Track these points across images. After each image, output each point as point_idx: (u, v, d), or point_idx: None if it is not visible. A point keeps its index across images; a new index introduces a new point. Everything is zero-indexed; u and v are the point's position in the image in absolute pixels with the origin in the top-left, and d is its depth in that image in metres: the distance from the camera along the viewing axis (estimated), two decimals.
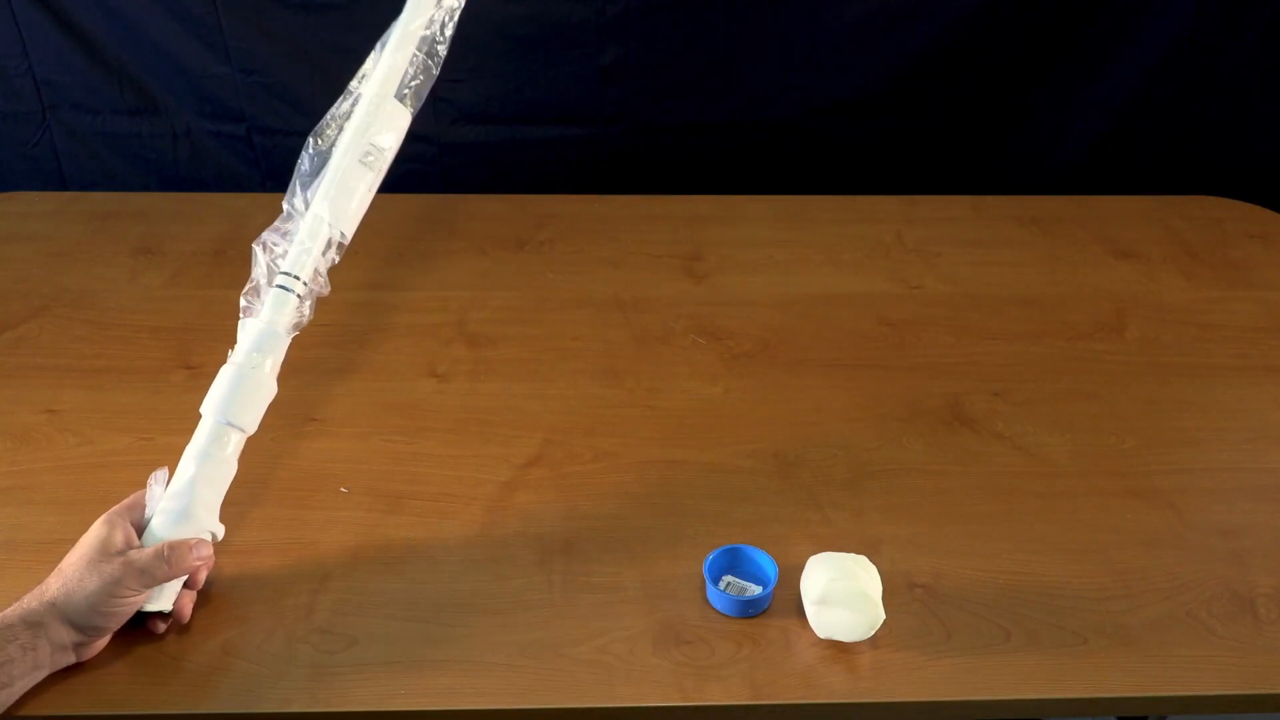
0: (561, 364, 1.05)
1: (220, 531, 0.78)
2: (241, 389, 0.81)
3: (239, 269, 1.21)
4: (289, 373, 1.03)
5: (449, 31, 0.91)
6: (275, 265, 0.84)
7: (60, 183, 1.59)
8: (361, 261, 1.23)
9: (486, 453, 0.93)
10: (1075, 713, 0.73)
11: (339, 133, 0.87)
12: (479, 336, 1.09)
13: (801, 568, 0.78)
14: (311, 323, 1.11)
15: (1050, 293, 1.18)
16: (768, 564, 0.80)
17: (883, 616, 0.73)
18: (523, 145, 1.56)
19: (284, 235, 0.86)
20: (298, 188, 0.87)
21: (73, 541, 0.75)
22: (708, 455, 0.93)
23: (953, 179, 1.57)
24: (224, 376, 0.82)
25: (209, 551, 0.76)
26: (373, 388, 1.01)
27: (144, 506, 0.77)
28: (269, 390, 0.83)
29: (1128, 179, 1.60)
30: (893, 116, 1.57)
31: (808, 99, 1.54)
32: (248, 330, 0.84)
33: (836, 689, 0.72)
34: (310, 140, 0.88)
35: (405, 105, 0.89)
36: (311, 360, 1.05)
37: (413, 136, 1.57)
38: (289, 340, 0.84)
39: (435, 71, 0.91)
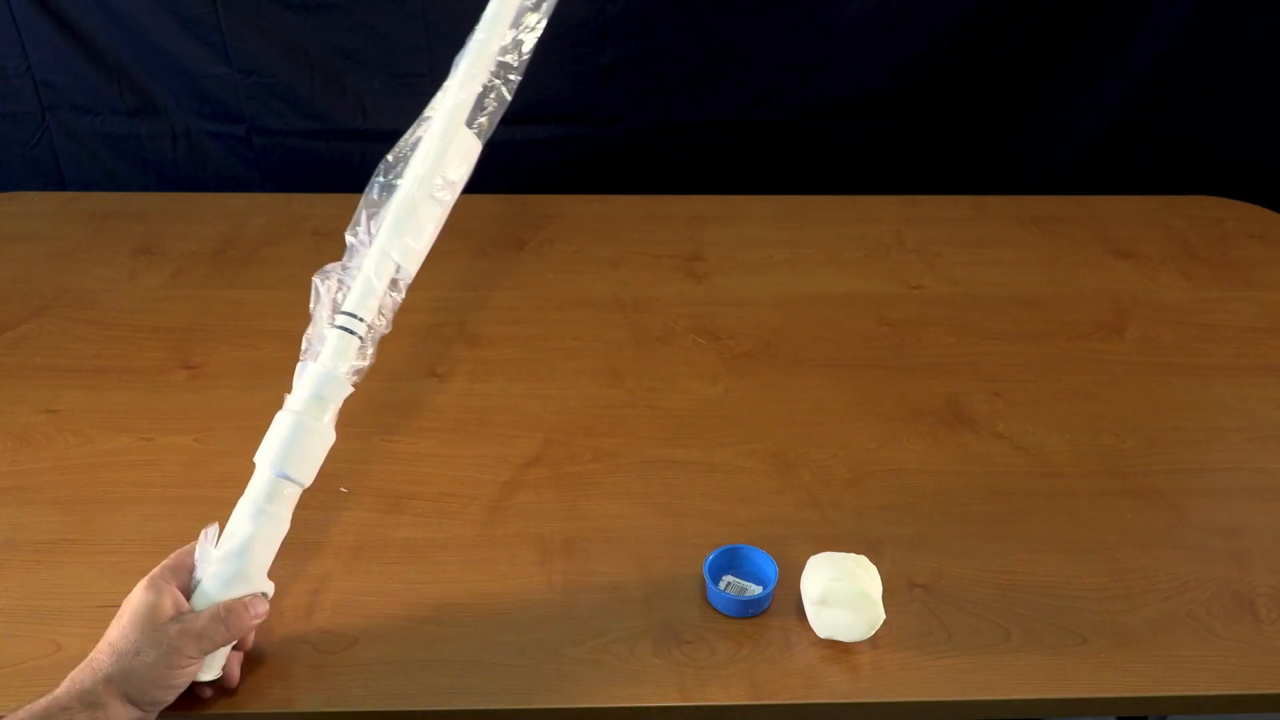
0: (561, 364, 1.05)
1: (271, 589, 0.73)
2: (301, 440, 0.75)
3: (239, 269, 1.21)
4: (288, 372, 1.03)
5: (525, 54, 0.87)
6: (338, 302, 0.79)
7: (60, 183, 1.59)
8: None
9: (486, 453, 0.93)
10: (1075, 713, 0.73)
11: (407, 163, 0.82)
12: (479, 336, 1.09)
13: (801, 568, 0.78)
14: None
15: (1050, 293, 1.18)
16: (768, 564, 0.80)
17: (883, 616, 0.73)
18: (523, 145, 1.56)
19: (345, 269, 0.80)
20: (364, 217, 0.82)
21: (73, 541, 0.75)
22: (708, 455, 0.93)
23: (953, 179, 1.57)
24: (282, 425, 0.76)
25: (265, 609, 0.71)
26: (373, 388, 1.00)
27: (189, 567, 0.71)
28: (328, 440, 0.77)
29: (1128, 179, 1.60)
30: (893, 116, 1.56)
31: (808, 99, 1.54)
32: (307, 375, 0.78)
33: (836, 689, 0.72)
34: (381, 166, 0.83)
35: (477, 134, 0.84)
36: None
37: None
38: (351, 388, 0.79)
39: (509, 97, 0.86)
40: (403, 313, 1.12)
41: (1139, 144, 1.59)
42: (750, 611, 0.77)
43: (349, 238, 0.81)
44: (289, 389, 1.01)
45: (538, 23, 0.89)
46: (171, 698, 0.66)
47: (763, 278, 1.20)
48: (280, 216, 1.33)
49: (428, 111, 0.84)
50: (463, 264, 1.23)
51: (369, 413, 0.98)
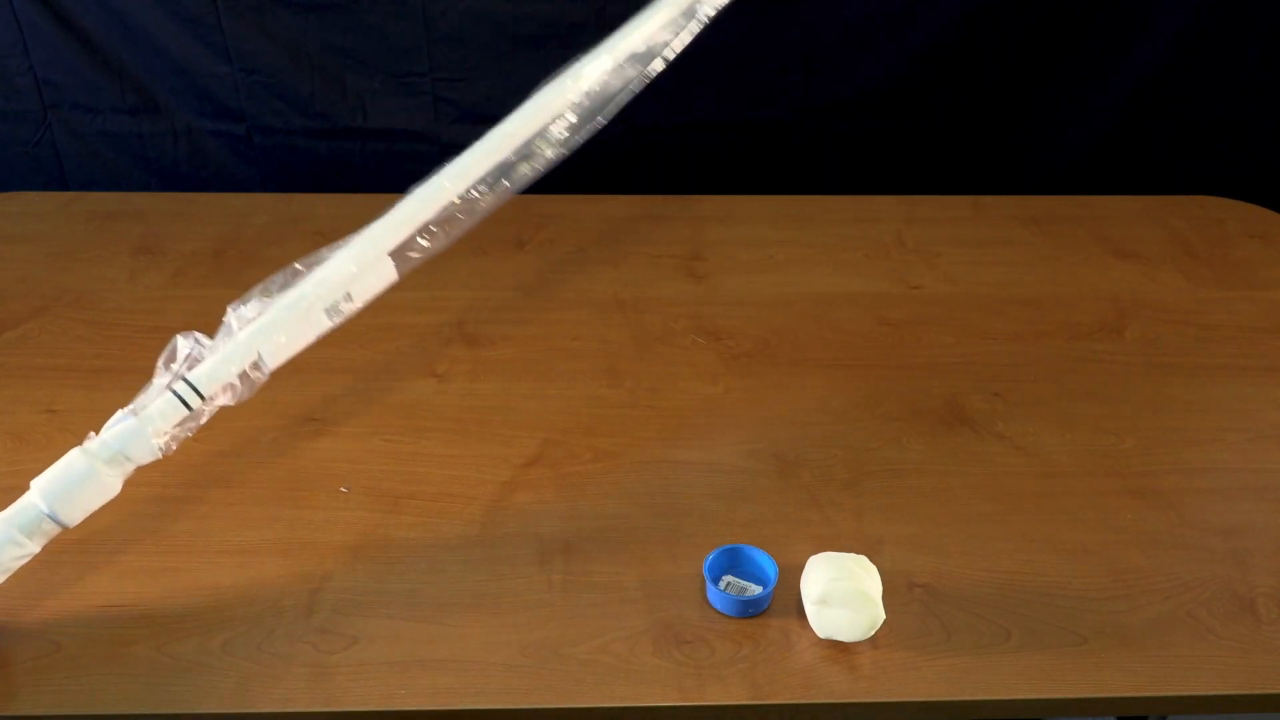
0: (561, 364, 1.05)
1: None
2: (84, 486, 0.73)
3: (239, 269, 1.21)
4: (289, 372, 1.03)
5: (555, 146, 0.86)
6: (186, 366, 0.76)
7: (61, 182, 1.59)
8: None
9: (486, 453, 0.93)
10: (1075, 713, 0.73)
11: (320, 264, 0.80)
12: (479, 336, 1.09)
13: (801, 568, 0.78)
14: None
15: (1050, 293, 1.18)
16: (768, 564, 0.80)
17: (883, 616, 0.73)
18: None
19: (207, 341, 0.78)
20: (254, 299, 0.79)
21: (73, 541, 0.75)
22: (708, 455, 0.93)
23: (953, 179, 1.57)
24: (72, 465, 0.73)
25: None
26: (373, 388, 1.01)
27: None
28: (109, 495, 0.74)
29: (1128, 179, 1.60)
30: (893, 116, 1.56)
31: (808, 99, 1.54)
32: (120, 426, 0.74)
33: (836, 689, 0.72)
34: (302, 261, 0.81)
35: (393, 264, 0.83)
36: (311, 360, 1.05)
37: (413, 136, 1.59)
38: (158, 455, 0.75)
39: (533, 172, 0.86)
40: (403, 312, 1.13)
41: (1139, 144, 1.59)
42: (750, 611, 0.77)
43: (230, 311, 0.78)
44: (289, 388, 1.01)
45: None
46: None
47: (763, 278, 1.20)
48: (280, 216, 1.33)
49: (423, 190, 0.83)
50: (463, 264, 1.23)
51: (369, 413, 0.98)
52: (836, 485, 0.90)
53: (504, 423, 0.97)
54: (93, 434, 0.75)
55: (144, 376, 1.02)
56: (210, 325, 1.10)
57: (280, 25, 1.45)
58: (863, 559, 0.77)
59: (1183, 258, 1.26)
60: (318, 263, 0.80)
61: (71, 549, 0.82)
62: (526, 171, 0.87)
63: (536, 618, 0.77)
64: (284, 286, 0.79)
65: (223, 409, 0.78)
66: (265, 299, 0.78)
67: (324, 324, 0.79)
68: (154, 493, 0.87)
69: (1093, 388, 1.03)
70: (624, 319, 1.12)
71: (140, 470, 0.90)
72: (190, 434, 0.77)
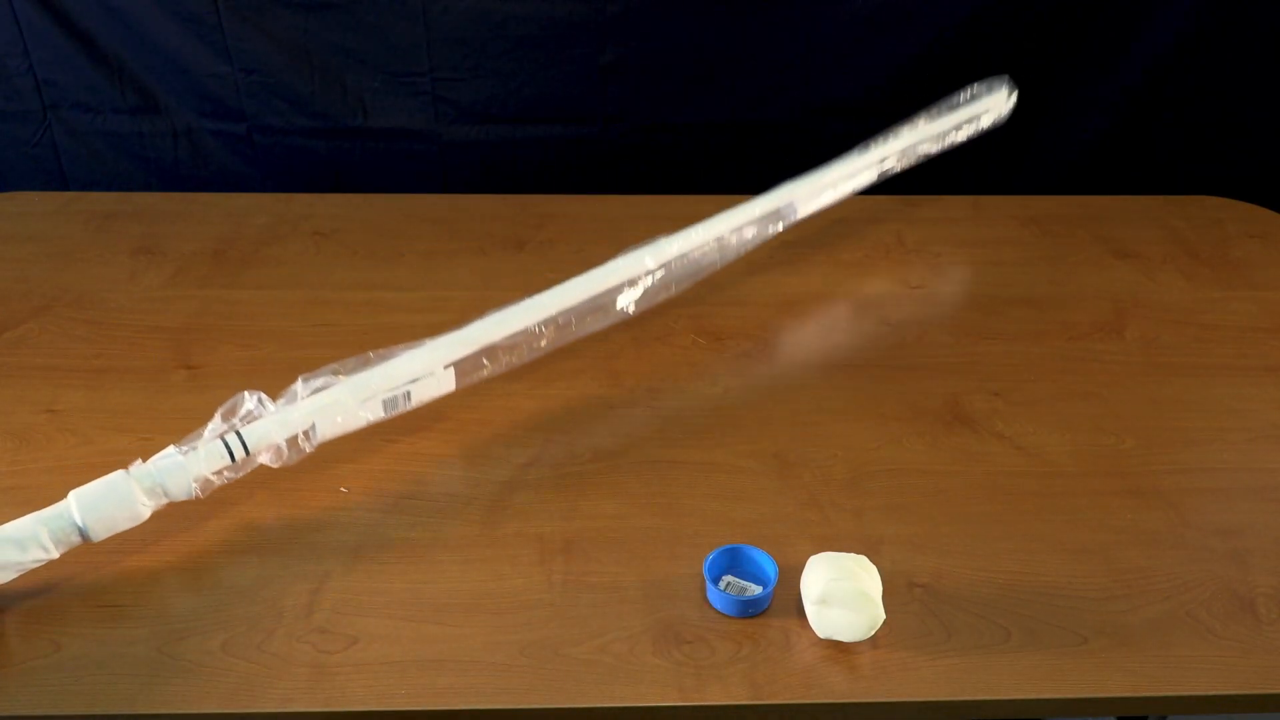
0: (561, 364, 1.05)
1: None
2: (120, 508, 0.77)
3: (239, 269, 1.21)
4: (289, 372, 1.03)
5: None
6: (241, 420, 0.82)
7: (61, 182, 1.59)
8: (361, 261, 1.24)
9: (486, 453, 0.93)
10: (1075, 713, 0.73)
11: (393, 359, 0.87)
12: None
13: (801, 568, 0.78)
14: (312, 323, 1.11)
15: (1050, 293, 1.18)
16: (768, 564, 0.80)
17: (883, 616, 0.73)
18: (523, 145, 1.56)
19: (271, 403, 0.83)
20: (326, 372, 0.86)
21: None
22: (708, 455, 0.93)
23: (953, 179, 1.57)
24: (114, 485, 0.77)
25: None
26: None
27: None
28: (137, 521, 0.79)
29: (1128, 179, 1.61)
30: (892, 116, 1.56)
31: (807, 99, 1.54)
32: (168, 460, 0.79)
33: (836, 689, 0.72)
34: (379, 353, 0.88)
35: (453, 375, 0.90)
36: (312, 360, 1.05)
37: (413, 136, 1.59)
38: (193, 495, 0.81)
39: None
40: (402, 312, 1.13)
41: (1139, 144, 1.59)
42: (750, 611, 0.77)
43: (300, 381, 0.84)
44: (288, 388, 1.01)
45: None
46: None
47: (763, 278, 1.20)
48: (280, 216, 1.33)
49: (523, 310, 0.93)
50: (463, 264, 1.23)
51: None
52: (836, 485, 0.90)
53: (504, 422, 0.97)
54: (140, 460, 0.79)
55: (144, 376, 1.03)
56: (210, 325, 1.11)
57: (280, 25, 1.45)
58: (863, 559, 0.77)
59: (1183, 258, 1.26)
60: (389, 356, 0.88)
61: (71, 549, 0.82)
62: (592, 324, 0.98)
63: (536, 618, 0.77)
64: (354, 370, 0.86)
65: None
66: (334, 377, 0.85)
67: (378, 414, 0.86)
68: None
69: (1093, 388, 1.03)
70: (624, 319, 1.12)
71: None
72: (225, 482, 0.82)
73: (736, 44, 1.49)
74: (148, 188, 1.58)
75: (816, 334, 1.10)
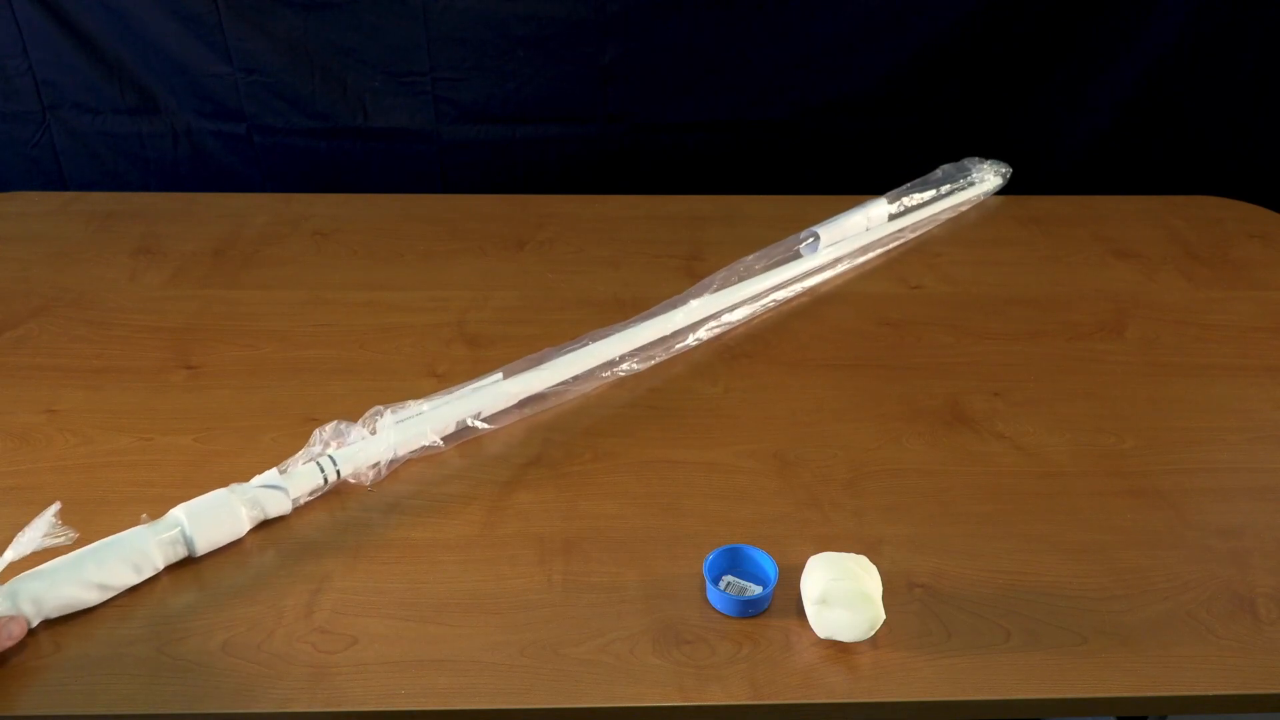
0: None
1: (34, 620, 0.74)
2: (223, 523, 0.81)
3: (239, 269, 1.21)
4: (289, 372, 1.03)
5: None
6: (335, 442, 0.88)
7: (60, 183, 1.59)
8: (361, 262, 1.24)
9: (487, 453, 0.93)
10: (1075, 713, 0.73)
11: (477, 392, 0.94)
12: (479, 336, 1.09)
13: (801, 568, 0.78)
14: (312, 323, 1.12)
15: (1050, 293, 1.18)
16: (768, 564, 0.80)
17: (883, 616, 0.73)
18: (523, 145, 1.56)
19: (369, 431, 0.90)
20: (429, 403, 0.92)
21: (75, 541, 0.75)
22: (708, 455, 0.93)
23: None
24: (222, 502, 0.81)
25: (18, 632, 0.72)
26: (373, 388, 1.01)
27: None
28: (235, 536, 0.82)
29: (1128, 179, 1.61)
30: (892, 116, 1.57)
31: (807, 99, 1.54)
32: (269, 481, 0.84)
33: (836, 689, 0.72)
34: (475, 381, 0.95)
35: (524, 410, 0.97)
36: (311, 360, 1.05)
37: (413, 136, 1.59)
38: (286, 512, 0.85)
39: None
40: (403, 313, 1.13)
41: (1139, 144, 1.59)
42: (750, 611, 0.77)
43: (389, 411, 0.91)
44: (289, 388, 1.01)
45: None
46: None
47: None
48: (280, 216, 1.33)
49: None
50: (463, 264, 1.23)
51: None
52: (836, 485, 0.90)
53: (504, 422, 0.97)
54: (237, 484, 0.83)
55: (144, 376, 1.03)
56: (210, 325, 1.11)
57: (280, 25, 1.45)
58: (863, 559, 0.77)
59: (1183, 258, 1.26)
60: (465, 390, 0.95)
61: (71, 549, 0.82)
62: (657, 355, 1.05)
63: (536, 618, 0.77)
64: (445, 398, 0.94)
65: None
66: (417, 405, 0.92)
67: (445, 434, 0.93)
68: (155, 493, 0.87)
69: (1093, 388, 1.03)
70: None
71: (140, 470, 0.90)
72: (313, 498, 0.87)
73: (736, 44, 1.49)
74: (147, 188, 1.58)
75: (816, 334, 1.10)
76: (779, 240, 1.21)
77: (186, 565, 0.81)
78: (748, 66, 1.51)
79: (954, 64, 1.51)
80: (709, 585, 0.78)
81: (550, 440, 0.95)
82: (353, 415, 0.91)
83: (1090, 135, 1.58)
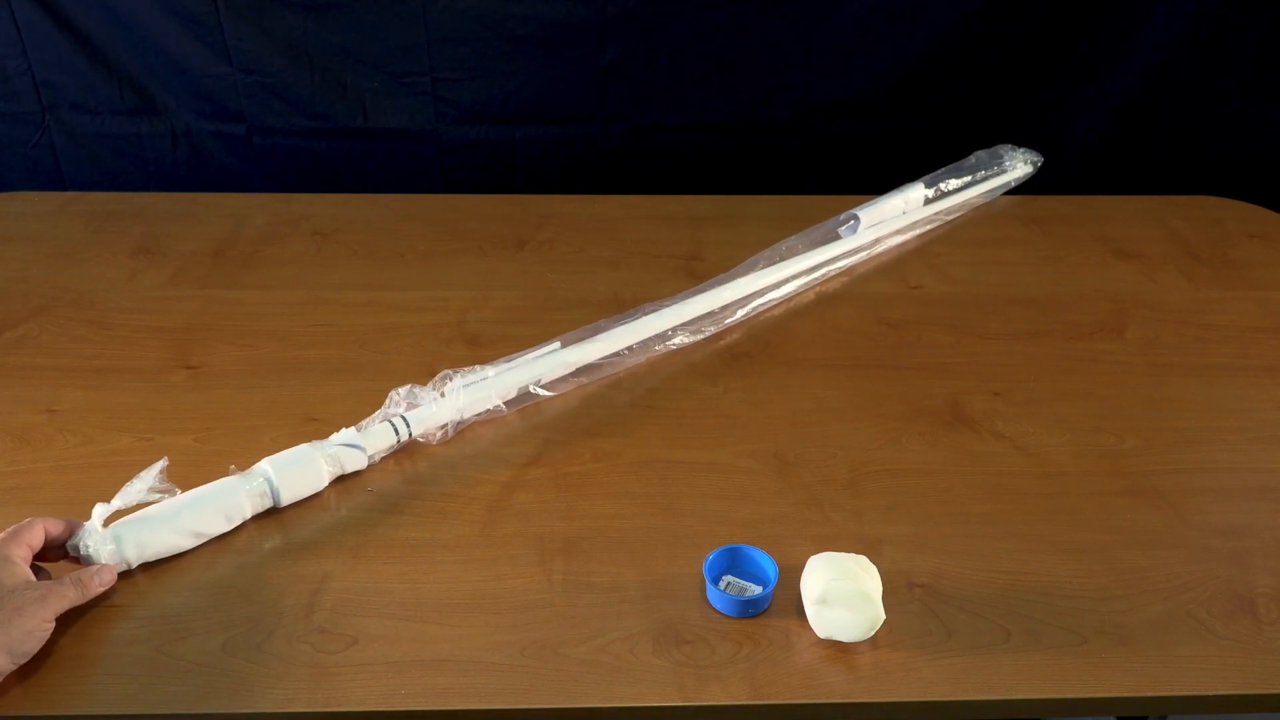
0: None
1: (134, 564, 0.79)
2: (307, 474, 0.85)
3: (239, 269, 1.21)
4: (288, 372, 1.03)
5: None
6: (407, 403, 0.92)
7: (60, 183, 1.59)
8: (361, 262, 1.24)
9: (487, 453, 0.93)
10: (1075, 713, 0.73)
11: (535, 352, 0.99)
12: (479, 336, 1.09)
13: (801, 568, 0.78)
14: (311, 323, 1.12)
15: (1050, 293, 1.18)
16: (768, 564, 0.80)
17: (883, 616, 0.73)
18: (523, 145, 1.57)
19: (439, 393, 0.94)
20: (494, 368, 0.97)
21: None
22: (708, 455, 0.93)
23: None
24: (302, 452, 0.86)
25: (110, 579, 0.77)
26: (373, 388, 1.01)
27: (32, 532, 0.75)
28: (318, 486, 0.87)
29: (1128, 179, 1.61)
30: (893, 116, 1.57)
31: (808, 99, 1.54)
32: (347, 437, 0.88)
33: (836, 689, 0.72)
34: (536, 349, 1.00)
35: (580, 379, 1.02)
36: (311, 360, 1.05)
37: (413, 136, 1.59)
38: (362, 467, 0.89)
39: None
40: (403, 313, 1.13)
41: (1139, 144, 1.59)
42: (750, 611, 0.77)
43: (459, 375, 0.95)
44: (289, 388, 1.01)
45: None
46: (35, 648, 0.71)
47: None
48: (280, 216, 1.33)
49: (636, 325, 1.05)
50: (463, 264, 1.23)
51: (369, 413, 0.98)
52: (836, 485, 0.90)
53: (504, 422, 0.97)
54: (318, 440, 0.87)
55: (144, 376, 1.03)
56: (210, 325, 1.11)
57: (280, 25, 1.46)
58: (863, 559, 0.77)
59: (1183, 258, 1.26)
60: (525, 357, 0.99)
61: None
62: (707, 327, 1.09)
63: (536, 618, 0.77)
64: (510, 361, 0.99)
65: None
66: (482, 370, 0.97)
67: (507, 397, 0.97)
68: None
69: (1093, 388, 1.03)
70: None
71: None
72: (386, 455, 0.91)
73: (736, 44, 1.49)
74: (146, 189, 1.58)
75: (816, 334, 1.10)
76: (816, 224, 1.26)
77: (187, 566, 0.81)
78: (748, 67, 1.51)
79: (954, 65, 1.51)
80: (709, 585, 0.78)
81: (550, 440, 0.95)
82: (353, 415, 0.92)
83: (1090, 135, 1.58)
